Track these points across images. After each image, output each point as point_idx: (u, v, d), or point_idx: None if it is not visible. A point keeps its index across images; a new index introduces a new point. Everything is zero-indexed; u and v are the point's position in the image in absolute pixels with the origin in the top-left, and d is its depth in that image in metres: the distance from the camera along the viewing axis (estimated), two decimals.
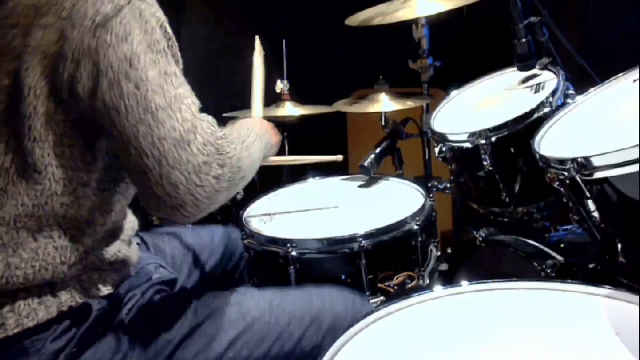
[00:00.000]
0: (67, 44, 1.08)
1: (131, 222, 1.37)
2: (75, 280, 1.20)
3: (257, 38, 1.84)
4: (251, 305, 1.33)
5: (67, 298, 1.19)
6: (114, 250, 1.26)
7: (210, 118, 1.21)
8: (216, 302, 1.31)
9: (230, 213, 2.36)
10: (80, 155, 1.16)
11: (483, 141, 1.73)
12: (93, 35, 1.08)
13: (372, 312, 1.15)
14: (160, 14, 1.17)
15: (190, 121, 1.13)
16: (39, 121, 1.11)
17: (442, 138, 1.87)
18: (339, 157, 1.86)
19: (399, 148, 2.15)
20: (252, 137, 1.34)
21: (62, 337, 1.17)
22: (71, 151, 1.14)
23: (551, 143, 1.48)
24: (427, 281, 1.71)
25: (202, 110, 1.27)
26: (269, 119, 2.57)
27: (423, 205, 1.74)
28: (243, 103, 2.40)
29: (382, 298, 1.61)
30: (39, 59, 1.09)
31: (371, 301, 1.59)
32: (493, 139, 1.72)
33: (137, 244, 1.45)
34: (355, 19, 2.23)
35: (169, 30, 1.18)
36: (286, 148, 2.73)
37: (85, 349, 1.18)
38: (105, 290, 1.24)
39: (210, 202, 1.18)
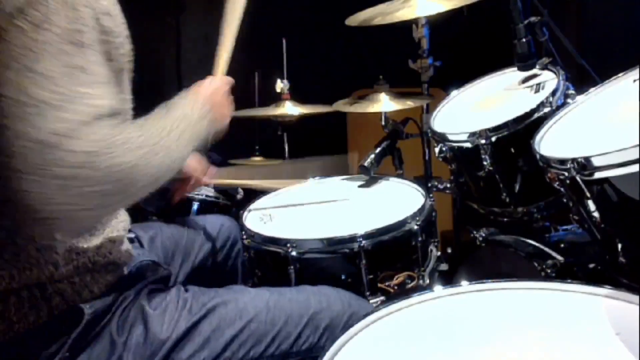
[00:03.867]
0: None
1: (123, 221, 1.35)
2: (67, 283, 1.19)
3: None
4: (248, 304, 1.32)
5: (59, 302, 1.17)
6: (104, 251, 1.25)
7: (109, 131, 1.02)
8: (211, 301, 1.31)
9: (229, 212, 2.36)
10: None
11: (483, 141, 1.73)
12: (10, 21, 0.99)
13: (372, 312, 1.15)
14: (99, 5, 1.07)
15: (72, 124, 0.98)
16: None
17: (442, 138, 1.87)
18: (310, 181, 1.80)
19: (399, 148, 2.14)
20: (173, 133, 1.16)
21: (54, 342, 1.16)
22: None
23: (551, 143, 1.48)
24: (427, 281, 1.71)
25: None
26: (269, 119, 2.60)
27: (423, 205, 1.74)
28: (243, 103, 2.40)
29: (382, 298, 1.61)
30: None
31: (371, 301, 1.59)
32: (493, 139, 1.72)
33: (131, 241, 1.44)
34: (355, 19, 2.23)
35: (107, 23, 1.08)
36: (286, 148, 2.73)
37: (79, 353, 1.17)
38: (99, 292, 1.23)
39: (92, 217, 1.07)
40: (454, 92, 2.12)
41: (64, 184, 0.97)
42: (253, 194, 2.05)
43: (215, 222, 1.78)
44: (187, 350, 1.23)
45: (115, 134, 1.03)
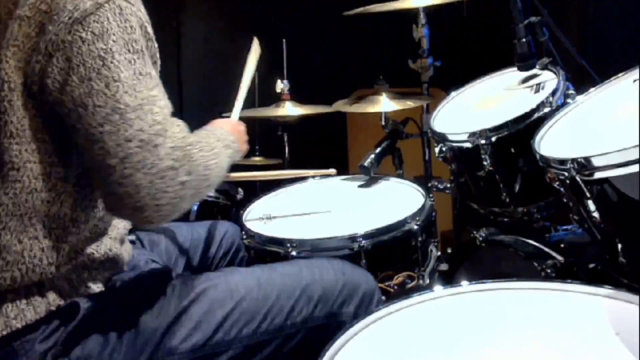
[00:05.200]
0: (44, 37, 1.08)
1: (123, 220, 1.35)
2: (64, 280, 1.19)
3: (255, 39, 1.84)
4: (238, 283, 1.31)
5: (56, 298, 1.18)
6: (105, 249, 1.25)
7: (181, 123, 1.19)
8: (201, 285, 1.29)
9: (229, 212, 2.36)
10: (55, 150, 1.15)
11: (483, 141, 1.73)
12: (69, 31, 1.07)
13: (372, 312, 1.15)
14: (141, 13, 1.16)
15: (161, 124, 1.11)
16: (14, 116, 1.10)
17: (442, 138, 1.87)
18: (332, 171, 1.83)
19: (399, 148, 2.14)
20: (220, 145, 1.31)
21: (50, 337, 1.16)
22: (46, 146, 1.14)
23: (551, 143, 1.48)
24: (427, 281, 1.71)
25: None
26: (269, 119, 2.60)
27: (423, 205, 1.74)
28: (243, 104, 2.40)
29: (382, 298, 1.61)
30: (13, 51, 1.09)
31: None
32: (493, 139, 1.72)
33: (132, 242, 1.44)
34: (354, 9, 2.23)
35: (150, 30, 1.18)
36: (286, 148, 2.73)
37: (73, 346, 1.17)
38: (96, 288, 1.23)
39: (173, 208, 1.15)
40: (454, 92, 2.12)
41: (157, 178, 1.10)
42: (253, 194, 2.04)
43: (219, 229, 1.76)
44: (179, 335, 1.23)
45: (186, 136, 1.17)
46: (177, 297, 1.26)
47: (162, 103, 1.14)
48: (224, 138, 1.35)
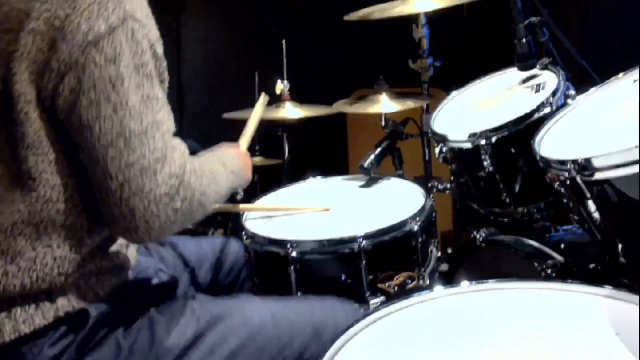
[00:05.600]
0: (56, 55, 1.08)
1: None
2: (73, 287, 1.20)
3: (263, 95, 1.84)
4: (254, 315, 1.33)
5: (64, 304, 1.18)
6: (112, 255, 1.26)
7: (183, 147, 1.20)
8: (219, 311, 1.31)
9: (229, 212, 2.36)
10: (72, 161, 1.16)
11: (483, 142, 1.73)
12: (82, 52, 1.08)
13: (372, 312, 1.15)
14: (152, 34, 1.17)
15: (162, 150, 1.13)
16: (31, 128, 1.11)
17: (442, 139, 1.87)
18: (327, 209, 1.82)
19: (399, 148, 2.14)
20: (222, 170, 1.34)
21: (59, 342, 1.16)
22: (63, 157, 1.15)
23: (551, 144, 1.48)
24: (428, 281, 1.70)
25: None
26: (269, 119, 2.59)
27: (423, 206, 1.74)
28: (243, 103, 2.41)
29: (382, 298, 1.61)
30: (26, 65, 1.09)
31: (371, 302, 1.59)
32: (493, 139, 1.72)
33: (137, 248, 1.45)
34: (354, 15, 2.23)
35: (159, 50, 1.19)
36: (286, 148, 2.73)
37: (85, 355, 1.18)
38: (103, 294, 1.24)
39: (163, 231, 1.17)
40: (454, 93, 2.12)
41: (151, 203, 1.12)
42: (253, 195, 2.04)
43: (226, 246, 1.77)
44: (193, 358, 1.24)
45: (185, 161, 1.18)
46: (196, 320, 1.27)
47: (165, 127, 1.16)
48: (229, 163, 1.38)
